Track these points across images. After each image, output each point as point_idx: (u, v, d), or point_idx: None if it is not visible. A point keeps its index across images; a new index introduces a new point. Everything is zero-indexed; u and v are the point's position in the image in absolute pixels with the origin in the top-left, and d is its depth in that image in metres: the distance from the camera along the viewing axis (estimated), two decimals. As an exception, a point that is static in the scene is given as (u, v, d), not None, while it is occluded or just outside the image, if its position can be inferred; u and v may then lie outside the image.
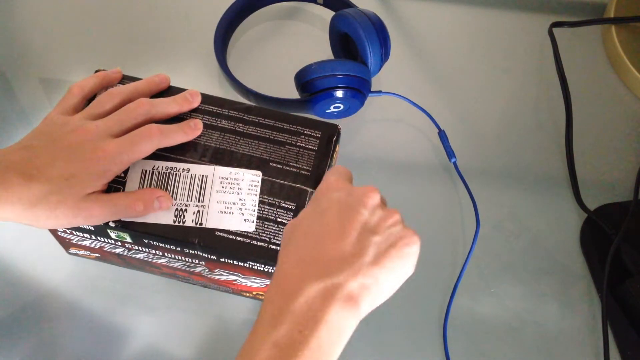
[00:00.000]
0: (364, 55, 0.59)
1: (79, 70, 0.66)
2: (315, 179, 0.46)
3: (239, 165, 0.46)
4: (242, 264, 0.45)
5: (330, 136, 0.48)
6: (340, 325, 0.35)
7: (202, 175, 0.46)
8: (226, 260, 0.45)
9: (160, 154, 0.46)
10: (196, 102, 0.48)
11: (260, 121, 0.48)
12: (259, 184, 0.46)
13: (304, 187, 0.46)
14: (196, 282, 0.53)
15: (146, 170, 0.45)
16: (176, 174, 0.45)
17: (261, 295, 0.52)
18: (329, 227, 0.38)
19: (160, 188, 0.45)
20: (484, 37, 0.70)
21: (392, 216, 0.40)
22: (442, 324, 0.55)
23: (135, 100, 0.46)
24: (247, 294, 0.53)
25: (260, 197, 0.45)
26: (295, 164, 0.47)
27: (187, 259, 0.47)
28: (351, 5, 0.64)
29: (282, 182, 0.46)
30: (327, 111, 0.59)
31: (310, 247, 0.37)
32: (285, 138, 0.47)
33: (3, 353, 0.52)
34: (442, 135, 0.62)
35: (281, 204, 0.45)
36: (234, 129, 0.48)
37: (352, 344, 0.53)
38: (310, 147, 0.47)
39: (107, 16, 0.70)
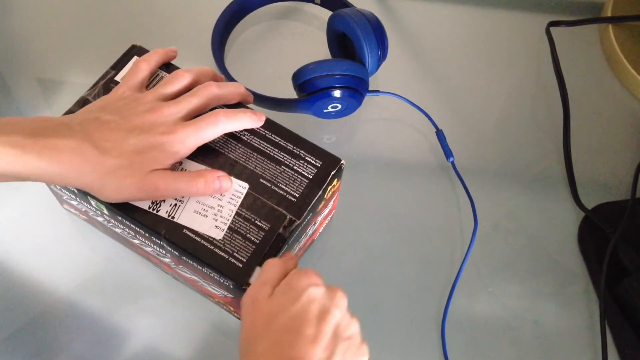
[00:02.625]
0: (361, 54, 0.59)
1: (77, 70, 0.66)
2: (299, 207, 0.45)
3: (230, 172, 0.46)
4: (200, 268, 0.45)
5: (329, 168, 0.47)
6: None
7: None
8: (187, 259, 0.45)
9: None
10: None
11: (267, 135, 0.48)
12: (242, 196, 0.45)
13: (285, 212, 0.45)
14: (167, 272, 0.53)
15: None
16: None
17: (226, 306, 0.52)
18: (307, 326, 0.38)
19: None
20: (481, 37, 0.70)
21: (356, 324, 0.41)
22: (441, 323, 0.55)
23: (203, 82, 0.48)
24: (212, 300, 0.53)
25: (238, 209, 0.45)
26: (284, 187, 0.46)
27: (155, 247, 0.47)
28: (348, 5, 0.64)
29: (265, 200, 0.45)
30: (324, 111, 0.59)
31: (289, 345, 0.37)
32: (284, 158, 0.47)
33: (3, 353, 0.52)
34: (440, 134, 0.62)
35: (256, 222, 0.45)
36: (238, 135, 0.47)
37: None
38: (306, 174, 0.47)
39: (104, 16, 0.70)
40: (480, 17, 0.72)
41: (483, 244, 0.58)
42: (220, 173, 0.45)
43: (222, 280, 0.44)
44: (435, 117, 0.62)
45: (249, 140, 0.47)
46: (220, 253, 0.44)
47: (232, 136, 0.47)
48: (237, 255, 0.44)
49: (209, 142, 0.47)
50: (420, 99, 0.63)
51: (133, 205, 0.45)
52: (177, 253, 0.45)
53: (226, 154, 0.47)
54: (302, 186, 0.46)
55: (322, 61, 0.57)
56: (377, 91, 0.63)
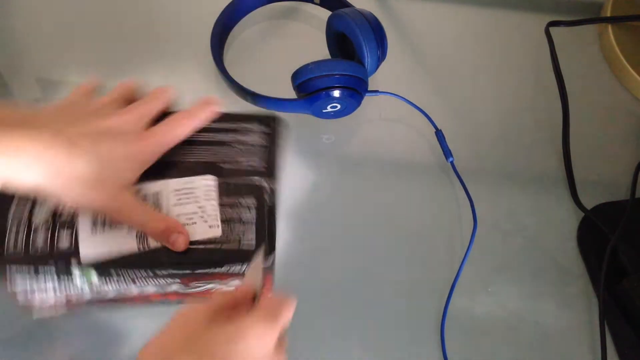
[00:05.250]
0: (360, 54, 0.59)
1: (76, 70, 0.66)
2: (268, 171, 0.46)
3: (191, 174, 0.45)
4: (219, 270, 0.44)
5: (272, 127, 0.47)
6: None
7: (155, 193, 0.44)
8: (202, 271, 0.44)
9: None
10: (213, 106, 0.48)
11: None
12: (215, 188, 0.45)
13: (261, 181, 0.45)
14: (172, 301, 0.52)
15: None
16: None
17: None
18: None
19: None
20: (481, 37, 0.70)
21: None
22: (440, 323, 0.55)
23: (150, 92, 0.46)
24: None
25: (220, 200, 0.44)
26: (246, 162, 0.46)
27: (159, 281, 0.46)
28: (348, 5, 0.64)
29: (236, 181, 0.45)
30: (324, 111, 0.59)
31: None
32: (231, 137, 0.47)
33: (3, 354, 0.52)
34: (440, 135, 0.62)
35: (242, 203, 0.44)
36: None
37: (350, 343, 0.54)
38: (257, 142, 0.47)
39: (104, 17, 0.70)
40: (479, 17, 0.72)
41: (483, 244, 0.58)
42: (184, 231, 0.42)
43: (244, 270, 0.44)
44: (434, 117, 0.62)
45: (190, 138, 0.46)
46: (230, 246, 0.43)
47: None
48: (245, 240, 0.43)
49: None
50: (419, 99, 0.63)
51: (124, 254, 0.42)
52: (188, 271, 0.44)
53: (177, 160, 0.45)
54: (259, 153, 0.46)
55: (322, 61, 0.57)
56: (377, 91, 0.63)
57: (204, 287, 0.48)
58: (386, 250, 0.58)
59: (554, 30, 0.68)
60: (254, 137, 0.47)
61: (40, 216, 0.42)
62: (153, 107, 0.44)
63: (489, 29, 0.71)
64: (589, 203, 0.60)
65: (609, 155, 0.63)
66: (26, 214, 0.42)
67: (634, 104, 0.67)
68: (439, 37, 0.70)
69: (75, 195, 0.40)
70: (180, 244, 0.42)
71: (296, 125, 0.63)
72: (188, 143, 0.46)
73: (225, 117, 0.47)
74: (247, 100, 0.61)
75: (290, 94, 0.59)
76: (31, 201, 0.43)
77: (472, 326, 0.55)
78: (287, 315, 0.39)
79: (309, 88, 0.57)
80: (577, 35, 0.70)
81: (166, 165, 0.45)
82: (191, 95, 0.65)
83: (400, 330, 0.54)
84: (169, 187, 0.44)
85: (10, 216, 0.42)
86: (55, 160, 0.38)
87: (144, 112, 0.43)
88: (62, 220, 0.43)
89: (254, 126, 0.47)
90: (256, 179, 0.45)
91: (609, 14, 0.69)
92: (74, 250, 0.42)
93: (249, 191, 0.45)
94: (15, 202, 0.43)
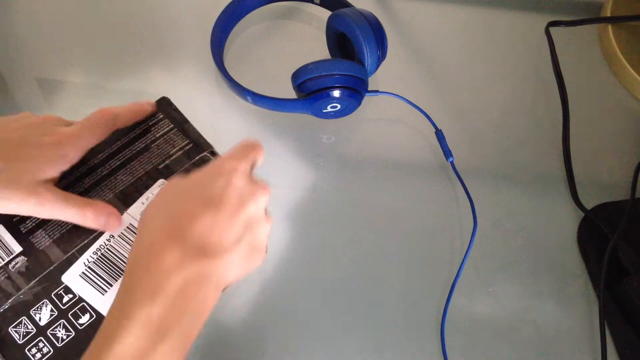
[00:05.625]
0: (360, 54, 0.59)
1: (76, 70, 0.66)
2: (201, 142, 0.46)
3: (145, 189, 0.44)
4: None
5: (164, 109, 0.48)
6: (203, 311, 0.36)
7: (126, 227, 0.43)
8: None
9: (71, 256, 0.42)
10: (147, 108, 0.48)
11: (115, 148, 0.46)
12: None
13: (201, 155, 0.46)
14: None
15: (84, 273, 0.42)
16: (108, 247, 0.42)
17: None
18: (219, 208, 0.37)
19: (113, 270, 0.42)
20: (481, 37, 0.70)
21: (267, 227, 0.41)
22: (440, 323, 0.55)
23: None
24: None
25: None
26: (176, 149, 0.46)
27: None
28: (348, 5, 0.64)
29: (186, 168, 0.45)
30: (324, 111, 0.59)
31: (194, 218, 0.36)
32: (144, 141, 0.46)
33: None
34: (439, 134, 0.62)
35: None
36: (107, 171, 0.45)
37: (351, 343, 0.54)
38: (166, 129, 0.47)
39: (104, 17, 0.70)
40: (480, 17, 0.72)
41: (482, 244, 0.58)
42: (113, 211, 0.42)
43: None
44: (434, 117, 0.62)
45: (115, 165, 0.46)
46: None
47: (106, 175, 0.45)
48: None
49: (103, 195, 0.44)
50: (419, 99, 0.63)
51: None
52: None
53: (123, 188, 0.45)
54: (178, 135, 0.47)
55: (321, 61, 0.57)
56: (377, 91, 0.63)
57: None
58: (386, 250, 0.58)
59: (554, 30, 0.68)
60: (159, 127, 0.47)
61: None
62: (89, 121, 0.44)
63: (490, 29, 0.71)
64: (589, 203, 0.60)
65: (609, 155, 0.63)
66: None
67: (634, 103, 0.67)
68: (439, 37, 0.70)
69: None
70: (112, 224, 0.42)
71: (296, 125, 0.63)
72: (119, 169, 0.45)
73: (121, 131, 0.47)
74: (247, 100, 0.61)
75: (290, 94, 0.59)
76: None
77: (472, 326, 0.55)
78: (253, 150, 0.42)
79: (309, 88, 0.57)
80: (577, 35, 0.70)
81: (121, 198, 0.44)
82: (191, 96, 0.66)
83: (400, 330, 0.54)
84: (131, 214, 0.44)
85: None
86: None
87: (63, 121, 0.43)
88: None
89: (151, 120, 0.47)
90: (196, 156, 0.46)
91: (609, 14, 0.69)
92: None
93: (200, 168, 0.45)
94: None
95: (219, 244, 0.37)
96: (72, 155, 0.42)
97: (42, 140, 0.41)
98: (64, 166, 0.42)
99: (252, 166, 0.42)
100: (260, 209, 0.40)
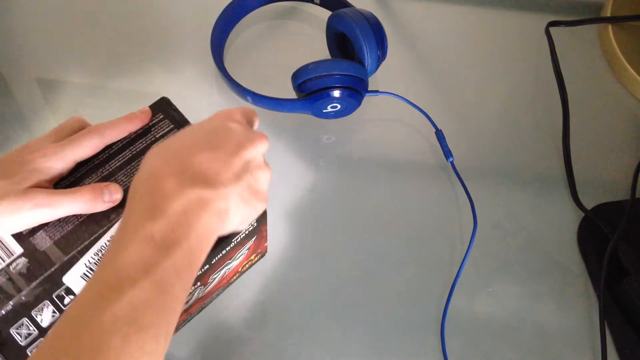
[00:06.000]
0: (360, 54, 0.59)
1: (76, 70, 0.66)
2: None
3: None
4: (230, 246, 0.45)
5: (165, 110, 0.48)
6: (208, 235, 0.36)
7: None
8: (216, 256, 0.45)
9: (72, 257, 0.41)
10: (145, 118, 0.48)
11: (115, 149, 0.46)
12: None
13: None
14: (192, 315, 0.53)
15: (85, 274, 0.42)
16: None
17: (247, 263, 0.53)
18: (219, 149, 0.38)
19: None
20: (481, 37, 0.70)
21: (268, 173, 0.42)
22: (440, 323, 0.55)
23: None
24: (234, 278, 0.53)
25: None
26: None
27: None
28: (348, 5, 0.64)
29: None
30: (324, 111, 0.59)
31: (193, 155, 0.38)
32: (145, 141, 0.46)
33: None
34: (440, 135, 0.62)
35: None
36: (107, 172, 0.45)
37: (350, 343, 0.54)
38: (167, 129, 0.47)
39: (104, 17, 0.70)
40: (480, 17, 0.72)
41: (483, 244, 0.58)
42: (107, 183, 0.43)
43: (246, 230, 0.45)
44: (434, 117, 0.62)
45: (119, 163, 0.45)
46: None
47: (115, 171, 0.45)
48: None
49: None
50: (419, 99, 0.63)
51: None
52: (207, 266, 0.45)
53: (127, 184, 0.45)
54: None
55: (322, 61, 0.57)
56: (377, 91, 0.63)
57: (220, 274, 0.49)
58: (386, 250, 0.58)
59: (554, 30, 0.68)
60: (160, 128, 0.47)
61: None
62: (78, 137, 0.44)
63: (490, 29, 0.71)
64: (589, 203, 0.60)
65: (609, 155, 0.63)
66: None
67: (634, 103, 0.67)
68: (439, 37, 0.70)
69: None
70: (115, 194, 0.43)
71: (296, 125, 0.63)
72: (120, 170, 0.45)
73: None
74: (247, 100, 0.61)
75: (290, 94, 0.59)
76: None
77: (472, 326, 0.55)
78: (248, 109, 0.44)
79: (309, 88, 0.57)
80: (577, 35, 0.70)
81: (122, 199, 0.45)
82: (191, 96, 0.66)
83: (400, 330, 0.54)
84: None
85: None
86: None
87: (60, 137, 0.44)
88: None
89: (151, 120, 0.47)
90: None
91: (609, 14, 0.69)
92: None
93: None
94: None
95: (218, 176, 0.37)
96: (57, 167, 0.42)
97: (27, 157, 0.41)
98: (52, 175, 0.42)
99: (250, 123, 0.44)
100: (259, 154, 0.41)
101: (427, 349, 0.54)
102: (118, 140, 0.46)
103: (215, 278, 0.49)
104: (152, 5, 0.71)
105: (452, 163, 0.61)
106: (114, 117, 0.46)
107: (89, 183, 0.44)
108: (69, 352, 0.31)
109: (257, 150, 0.41)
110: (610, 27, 0.68)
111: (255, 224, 0.47)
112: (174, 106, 0.48)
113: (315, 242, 0.58)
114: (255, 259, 0.56)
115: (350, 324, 0.54)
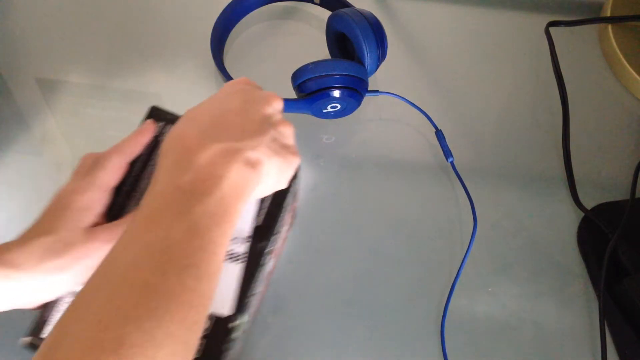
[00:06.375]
0: (360, 54, 0.59)
1: (76, 71, 0.66)
2: None
3: None
4: (285, 208, 0.47)
5: (162, 115, 0.48)
6: (242, 185, 0.37)
7: None
8: (282, 212, 0.47)
9: None
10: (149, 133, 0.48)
11: (136, 168, 0.47)
12: None
13: None
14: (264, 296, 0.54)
15: None
16: None
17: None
18: (234, 107, 0.40)
19: None
20: (481, 37, 0.70)
21: (290, 126, 0.43)
22: (440, 323, 0.55)
23: None
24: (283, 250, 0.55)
25: None
26: None
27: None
28: (348, 5, 0.64)
29: None
30: (324, 111, 0.59)
31: (213, 117, 0.39)
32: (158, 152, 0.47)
33: (2, 353, 0.52)
34: (439, 134, 0.62)
35: None
36: (144, 186, 0.46)
37: (350, 342, 0.54)
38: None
39: (104, 17, 0.70)
40: (479, 17, 0.72)
41: (483, 244, 0.58)
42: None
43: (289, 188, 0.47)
44: (434, 117, 0.62)
45: (139, 174, 0.46)
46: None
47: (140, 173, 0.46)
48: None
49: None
50: (419, 99, 0.63)
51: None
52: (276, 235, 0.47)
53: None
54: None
55: (321, 61, 0.57)
56: (377, 91, 0.63)
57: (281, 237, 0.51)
58: (386, 250, 0.58)
59: (554, 30, 0.68)
60: (166, 133, 0.48)
61: None
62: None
63: (490, 29, 0.71)
64: (589, 203, 0.60)
65: (609, 155, 0.63)
66: None
67: (634, 103, 0.67)
68: (439, 37, 0.70)
69: (55, 268, 0.39)
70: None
71: (296, 125, 0.63)
72: (138, 179, 0.46)
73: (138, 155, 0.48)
74: (247, 100, 0.61)
75: (290, 94, 0.59)
76: None
77: (472, 326, 0.55)
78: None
79: (309, 88, 0.57)
80: (577, 35, 0.70)
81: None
82: (191, 96, 0.66)
83: (400, 330, 0.54)
84: None
85: None
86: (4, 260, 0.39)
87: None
88: None
89: (166, 128, 0.48)
90: None
91: (609, 14, 0.69)
92: None
93: None
94: None
95: (241, 130, 0.38)
96: (96, 197, 0.42)
97: (65, 201, 0.42)
98: (97, 211, 0.42)
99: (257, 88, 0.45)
100: (276, 111, 0.42)
101: (427, 348, 0.54)
102: (136, 162, 0.46)
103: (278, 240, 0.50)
104: (152, 5, 0.71)
105: (452, 163, 0.61)
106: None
107: (134, 205, 0.45)
108: (116, 288, 0.31)
109: (274, 107, 0.42)
110: (610, 27, 0.68)
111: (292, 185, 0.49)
112: (165, 110, 0.49)
113: (314, 242, 0.58)
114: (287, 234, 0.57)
115: (350, 323, 0.54)
